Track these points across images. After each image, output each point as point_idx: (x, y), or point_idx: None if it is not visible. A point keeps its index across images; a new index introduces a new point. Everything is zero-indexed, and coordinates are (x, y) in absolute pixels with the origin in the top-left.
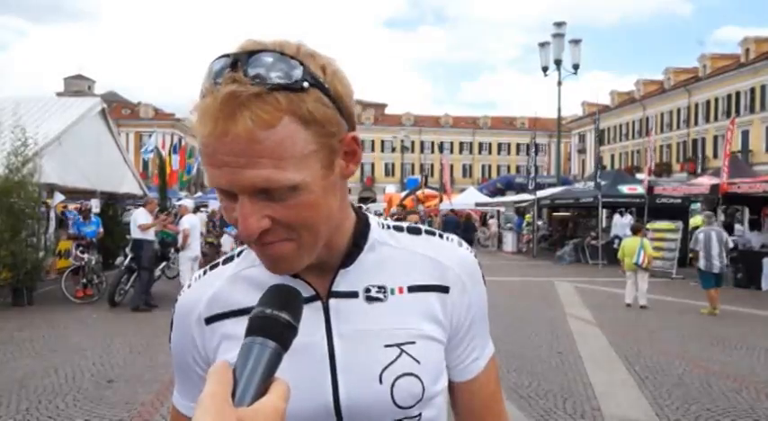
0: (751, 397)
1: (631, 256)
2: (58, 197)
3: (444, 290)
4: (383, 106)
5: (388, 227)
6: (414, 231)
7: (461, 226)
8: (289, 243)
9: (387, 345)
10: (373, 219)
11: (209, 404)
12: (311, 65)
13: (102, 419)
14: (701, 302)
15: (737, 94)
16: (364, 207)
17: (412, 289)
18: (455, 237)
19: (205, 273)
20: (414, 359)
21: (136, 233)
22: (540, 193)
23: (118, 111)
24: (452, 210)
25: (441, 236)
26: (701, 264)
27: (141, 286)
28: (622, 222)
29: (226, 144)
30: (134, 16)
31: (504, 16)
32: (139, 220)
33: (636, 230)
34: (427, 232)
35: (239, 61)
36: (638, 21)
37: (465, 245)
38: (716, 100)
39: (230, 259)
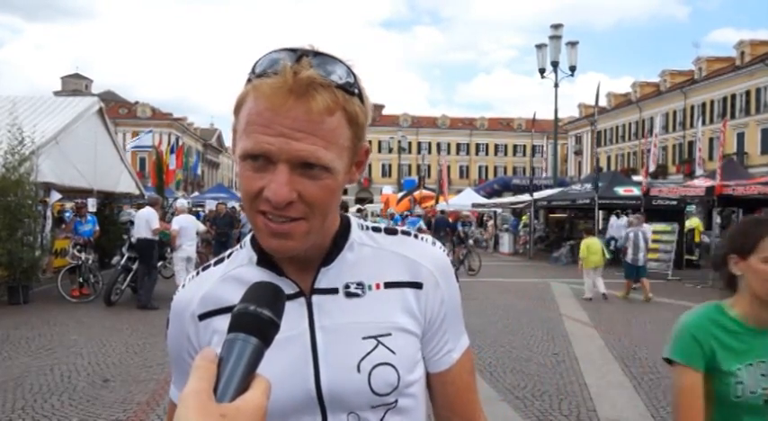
0: None
1: (597, 254)
2: (55, 196)
3: (418, 286)
4: (380, 107)
5: (367, 228)
6: (390, 232)
7: (451, 225)
8: (302, 222)
9: (364, 337)
10: (354, 221)
11: (193, 401)
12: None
13: (98, 418)
14: (698, 304)
15: (733, 96)
16: (359, 207)
17: (388, 285)
18: (429, 238)
19: (198, 273)
20: (389, 350)
21: (147, 233)
22: (537, 195)
23: (115, 110)
24: (442, 211)
25: (415, 236)
26: (629, 257)
27: (150, 284)
28: (619, 224)
29: (289, 118)
30: (131, 15)
31: (500, 18)
32: (153, 223)
33: (589, 232)
34: (403, 233)
35: (306, 56)
36: (635, 23)
37: (438, 244)
38: (711, 102)
39: (221, 260)
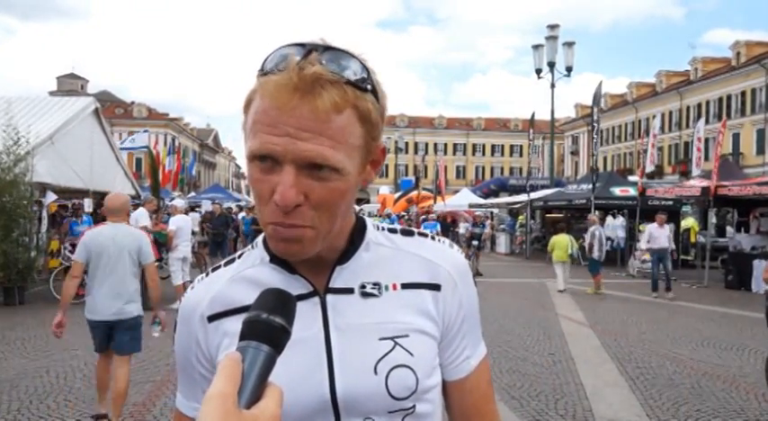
0: (741, 397)
1: (563, 250)
2: (51, 196)
3: (436, 288)
4: None
5: (383, 228)
6: (407, 233)
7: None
8: (310, 230)
9: (381, 338)
10: (369, 222)
11: (218, 404)
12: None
13: None
14: (693, 304)
15: (728, 97)
16: (357, 208)
17: (405, 286)
18: (446, 240)
19: (208, 274)
20: (407, 351)
21: None
22: (534, 195)
23: (111, 110)
24: (426, 212)
25: (432, 237)
26: (595, 254)
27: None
28: (614, 224)
29: (294, 117)
30: (126, 15)
31: (495, 18)
32: (142, 222)
33: (561, 229)
34: (420, 234)
35: (315, 51)
36: (630, 24)
37: (456, 247)
38: (707, 103)
39: (231, 261)
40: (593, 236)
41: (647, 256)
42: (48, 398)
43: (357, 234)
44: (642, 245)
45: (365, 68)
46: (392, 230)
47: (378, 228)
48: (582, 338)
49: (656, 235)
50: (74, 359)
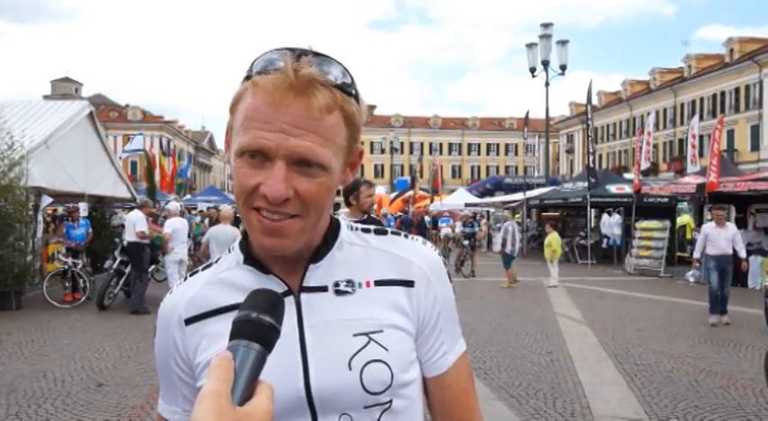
0: (738, 394)
1: (559, 247)
2: (46, 200)
3: (410, 284)
4: (372, 108)
5: (356, 228)
6: (380, 232)
7: (416, 224)
8: (297, 220)
9: (355, 334)
10: (343, 222)
11: (211, 402)
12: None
13: None
14: (690, 301)
15: (722, 93)
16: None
17: (378, 283)
18: (419, 238)
19: (185, 279)
20: (382, 346)
21: (134, 236)
22: (530, 193)
23: (105, 113)
24: (405, 211)
25: (405, 236)
26: (508, 249)
27: (142, 289)
28: (611, 222)
29: (288, 114)
30: (118, 17)
31: (488, 18)
32: (139, 227)
33: (552, 226)
34: (393, 233)
35: (305, 55)
36: (623, 21)
37: (429, 244)
38: (701, 100)
39: (209, 266)
40: (507, 231)
41: (645, 254)
42: (45, 402)
43: (331, 234)
44: (696, 252)
45: (349, 75)
46: (365, 230)
47: (351, 228)
48: (579, 336)
49: (715, 237)
50: (71, 362)
